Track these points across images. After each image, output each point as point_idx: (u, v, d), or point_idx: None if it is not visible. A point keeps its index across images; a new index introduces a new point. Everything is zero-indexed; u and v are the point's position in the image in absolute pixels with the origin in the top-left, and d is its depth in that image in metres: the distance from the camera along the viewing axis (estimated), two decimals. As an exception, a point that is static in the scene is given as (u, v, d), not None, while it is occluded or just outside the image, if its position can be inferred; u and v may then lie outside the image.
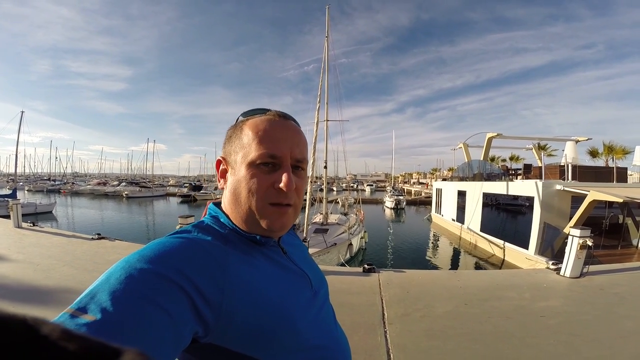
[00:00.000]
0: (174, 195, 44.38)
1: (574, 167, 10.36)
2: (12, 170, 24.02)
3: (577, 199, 8.78)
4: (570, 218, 8.71)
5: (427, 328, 3.08)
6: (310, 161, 9.86)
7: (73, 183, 54.41)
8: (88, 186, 48.04)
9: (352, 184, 47.26)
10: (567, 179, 9.98)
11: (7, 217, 8.60)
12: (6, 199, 17.86)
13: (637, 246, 9.32)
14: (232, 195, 0.61)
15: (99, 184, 50.82)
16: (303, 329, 0.57)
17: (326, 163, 12.67)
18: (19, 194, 24.11)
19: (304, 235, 8.73)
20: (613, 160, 18.40)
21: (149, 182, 51.32)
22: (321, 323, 0.64)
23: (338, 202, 18.89)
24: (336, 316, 0.75)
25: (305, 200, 10.25)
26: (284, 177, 0.58)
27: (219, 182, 0.66)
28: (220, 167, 0.66)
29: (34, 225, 8.41)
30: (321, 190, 13.70)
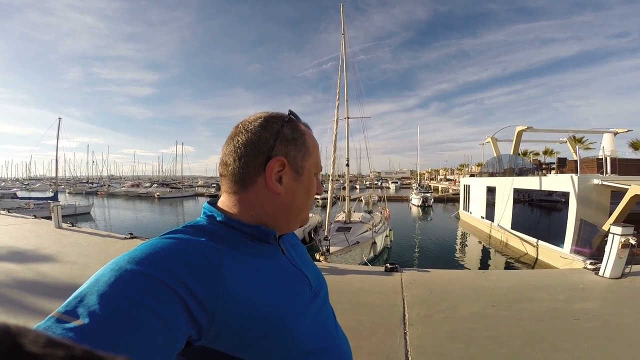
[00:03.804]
0: (202, 195, 45.73)
1: (613, 160, 9.68)
2: (53, 174, 25.47)
3: (617, 194, 8.18)
4: (610, 214, 8.13)
5: (449, 330, 2.96)
6: (331, 159, 9.83)
7: (109, 185, 57.28)
8: (123, 188, 50.49)
9: (376, 182, 46.70)
10: (606, 173, 9.34)
11: (49, 218, 9.20)
12: (48, 201, 19.17)
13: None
14: (290, 198, 0.62)
15: (132, 185, 53.08)
16: (301, 331, 0.56)
17: (348, 161, 12.55)
18: (60, 197, 25.72)
19: (325, 233, 8.72)
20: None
21: (178, 183, 53.22)
22: (320, 325, 0.63)
23: (361, 200, 18.68)
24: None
25: (326, 199, 10.24)
26: (320, 187, 0.70)
27: (275, 185, 0.60)
28: (276, 170, 0.60)
29: (72, 225, 8.95)
30: (344, 188, 13.59)
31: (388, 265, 4.80)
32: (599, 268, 4.57)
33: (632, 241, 4.29)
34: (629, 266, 4.39)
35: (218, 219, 0.59)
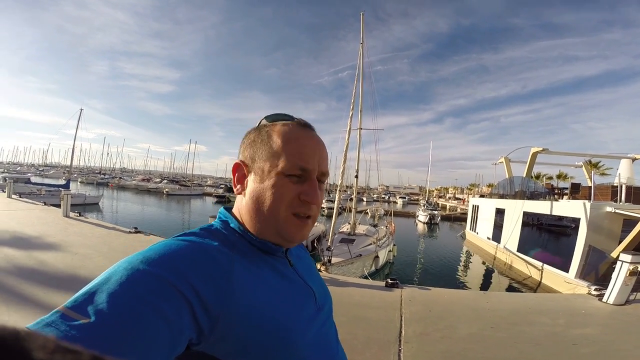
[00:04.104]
0: (210, 195, 46.05)
1: (629, 187, 9.45)
2: (68, 163, 25.99)
3: (630, 222, 7.99)
4: (620, 242, 7.93)
5: (445, 350, 2.90)
6: (340, 169, 9.81)
7: (120, 177, 58.12)
8: (133, 181, 51.37)
9: (383, 195, 46.45)
10: (620, 201, 9.12)
11: (59, 206, 9.37)
12: (60, 189, 19.54)
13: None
14: (254, 203, 0.59)
15: (143, 180, 53.82)
16: (303, 346, 0.55)
17: (357, 172, 12.54)
18: (72, 185, 26.09)
19: (329, 243, 8.67)
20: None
21: (188, 181, 53.70)
22: (322, 341, 0.62)
23: (367, 213, 18.57)
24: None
25: (332, 209, 10.20)
26: (313, 190, 0.59)
27: (235, 186, 0.64)
28: (238, 172, 0.64)
29: (80, 215, 9.09)
30: (351, 199, 13.54)
31: (389, 280, 4.75)
32: (604, 294, 4.45)
33: (641, 270, 4.17)
34: (635, 294, 4.28)
35: (231, 225, 0.61)
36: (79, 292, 0.39)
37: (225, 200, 37.69)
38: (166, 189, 41.86)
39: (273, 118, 0.64)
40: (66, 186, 21.17)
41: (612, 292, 4.29)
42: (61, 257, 4.88)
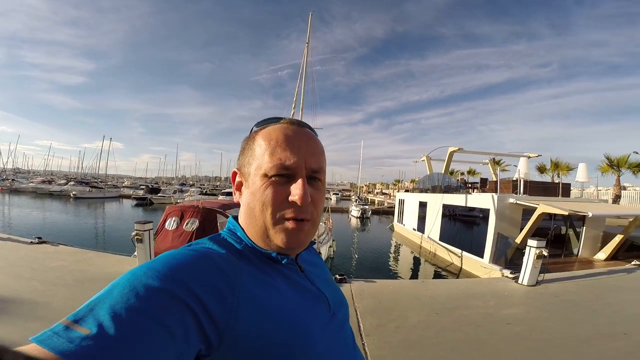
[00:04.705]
0: (128, 197, 41.27)
1: (526, 181, 11.18)
2: None
3: (527, 212, 9.47)
4: (521, 229, 9.36)
5: (402, 339, 3.11)
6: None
7: (13, 180, 49.66)
8: (30, 184, 43.69)
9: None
10: (519, 193, 10.74)
11: None
12: None
13: (577, 255, 10.23)
14: (247, 209, 0.58)
15: (43, 182, 46.27)
16: (317, 355, 0.53)
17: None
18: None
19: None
20: (559, 175, 20.19)
21: (100, 182, 47.80)
22: (337, 348, 0.60)
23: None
24: None
25: None
26: (299, 189, 0.54)
27: (235, 194, 0.63)
28: (236, 180, 0.63)
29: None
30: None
31: (337, 276, 4.88)
32: (518, 277, 5.21)
33: (545, 253, 4.99)
34: (542, 275, 5.09)
35: (238, 234, 0.60)
36: (82, 305, 0.38)
37: (147, 203, 34.24)
38: (73, 192, 36.49)
39: (262, 123, 0.62)
40: None
41: (525, 274, 5.05)
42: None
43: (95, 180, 50.30)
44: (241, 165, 0.61)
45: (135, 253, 5.31)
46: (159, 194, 37.11)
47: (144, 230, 5.04)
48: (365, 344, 2.94)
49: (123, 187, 54.00)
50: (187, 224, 8.02)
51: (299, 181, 0.55)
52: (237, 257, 0.53)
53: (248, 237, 0.59)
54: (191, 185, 58.66)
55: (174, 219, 8.12)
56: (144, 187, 43.41)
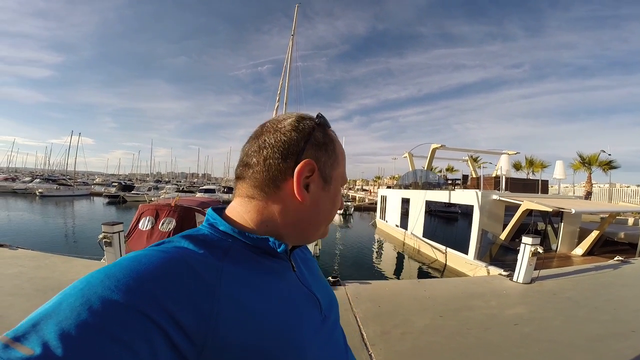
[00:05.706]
0: (99, 195, 39.54)
1: (507, 178, 11.40)
2: None
3: (510, 208, 9.64)
4: (504, 225, 9.52)
5: (411, 346, 2.92)
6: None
7: (-31, 178, 45.90)
8: (-10, 182, 40.88)
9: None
10: (502, 190, 10.93)
11: None
12: None
13: (556, 250, 10.55)
14: (314, 209, 0.55)
15: (6, 179, 43.99)
16: None
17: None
18: None
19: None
20: (533, 172, 20.97)
21: (69, 179, 45.57)
22: (330, 353, 0.56)
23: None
24: None
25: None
26: (342, 202, 0.62)
27: (301, 193, 0.52)
28: (305, 176, 0.53)
29: None
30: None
31: (331, 278, 4.63)
32: (512, 275, 5.18)
33: (540, 250, 4.97)
34: (537, 271, 5.08)
35: (221, 228, 0.53)
36: (24, 320, 0.33)
37: (120, 201, 32.72)
38: (39, 190, 34.42)
39: (326, 120, 0.60)
40: None
41: (520, 272, 5.02)
42: None
43: (64, 177, 48.07)
44: (322, 162, 0.55)
45: (104, 258, 4.81)
46: (132, 192, 35.65)
47: (113, 233, 4.49)
48: (372, 354, 2.72)
49: (94, 184, 51.60)
50: (162, 223, 7.53)
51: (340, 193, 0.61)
52: (218, 257, 0.47)
53: (240, 229, 0.52)
54: (167, 182, 56.96)
55: (148, 218, 7.60)
56: (116, 184, 41.38)
